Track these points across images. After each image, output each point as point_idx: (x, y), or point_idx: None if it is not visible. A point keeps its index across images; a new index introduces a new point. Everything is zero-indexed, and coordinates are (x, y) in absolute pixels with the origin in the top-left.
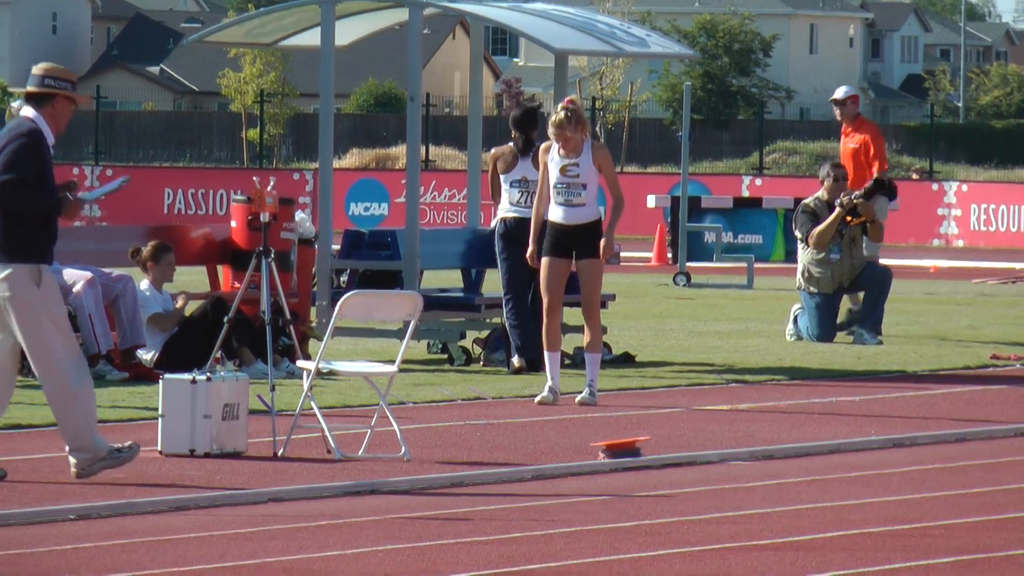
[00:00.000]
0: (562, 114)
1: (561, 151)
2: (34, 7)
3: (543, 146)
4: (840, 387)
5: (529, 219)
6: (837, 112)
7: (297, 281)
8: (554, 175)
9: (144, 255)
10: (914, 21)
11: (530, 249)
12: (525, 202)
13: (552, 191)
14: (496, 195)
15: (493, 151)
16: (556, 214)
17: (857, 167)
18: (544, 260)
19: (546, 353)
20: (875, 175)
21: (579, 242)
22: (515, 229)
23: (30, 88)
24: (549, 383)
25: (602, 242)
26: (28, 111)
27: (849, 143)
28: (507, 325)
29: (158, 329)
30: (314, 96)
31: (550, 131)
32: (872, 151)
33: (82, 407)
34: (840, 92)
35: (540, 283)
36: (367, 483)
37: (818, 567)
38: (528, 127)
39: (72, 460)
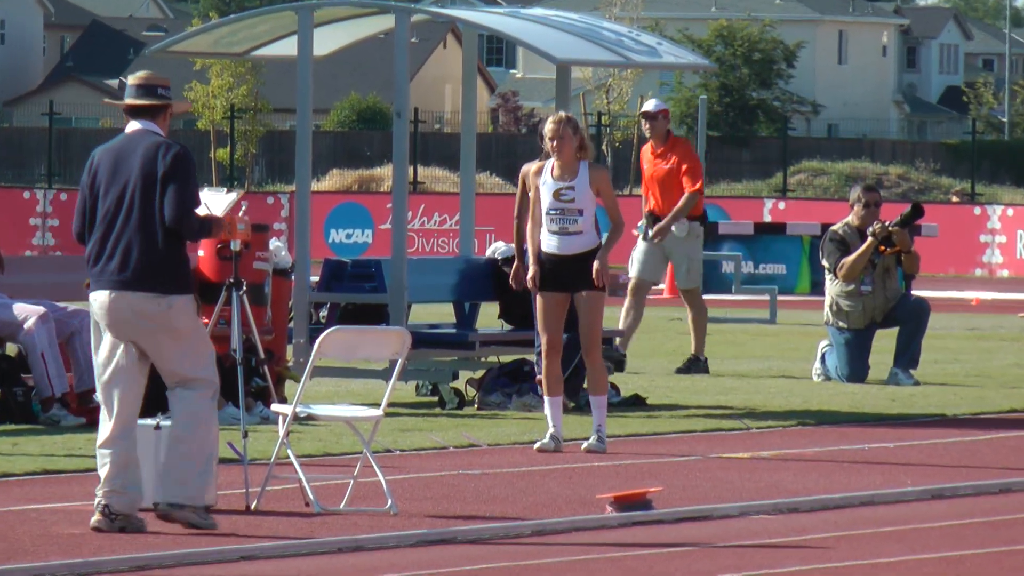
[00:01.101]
0: (561, 114)
1: (555, 172)
2: None
3: (533, 168)
4: (872, 432)
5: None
6: (647, 127)
7: (272, 316)
8: (546, 200)
9: None
10: (954, 28)
11: (531, 271)
12: None
13: (545, 218)
14: (522, 216)
15: (524, 167)
16: (550, 243)
17: (669, 191)
18: (539, 297)
19: (546, 399)
20: (686, 194)
21: (576, 274)
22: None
23: (145, 100)
24: (551, 430)
25: (595, 266)
26: (136, 124)
27: (661, 164)
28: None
29: None
30: (290, 111)
31: (547, 130)
32: (686, 168)
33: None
34: (651, 104)
35: (536, 321)
36: (350, 539)
37: None
38: None
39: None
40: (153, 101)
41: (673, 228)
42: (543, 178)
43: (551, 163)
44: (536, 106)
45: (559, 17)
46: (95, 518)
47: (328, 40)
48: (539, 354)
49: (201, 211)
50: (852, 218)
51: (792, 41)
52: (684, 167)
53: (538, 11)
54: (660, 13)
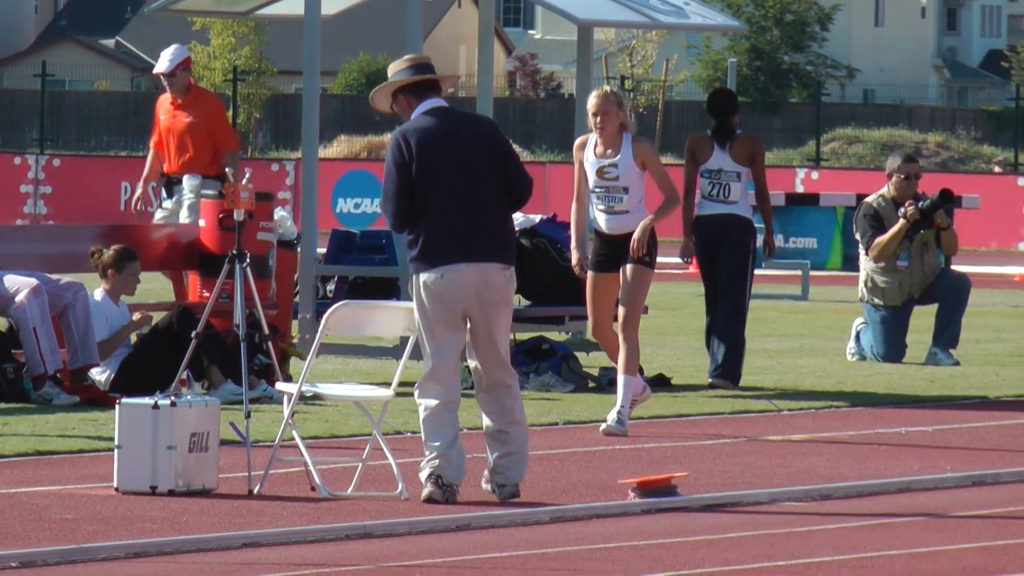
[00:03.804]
0: (605, 88)
1: (598, 148)
2: None
3: (577, 142)
4: (910, 415)
5: (723, 214)
6: (166, 84)
7: (276, 290)
8: (591, 178)
9: (105, 259)
10: None
11: (575, 257)
12: (718, 195)
13: (592, 196)
14: (686, 188)
15: (691, 139)
16: (599, 222)
17: (196, 147)
18: (589, 275)
19: (619, 377)
20: (224, 154)
21: (625, 253)
22: (706, 227)
23: (432, 75)
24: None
25: (635, 234)
26: (437, 101)
27: (182, 117)
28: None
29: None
30: (296, 74)
31: (590, 104)
32: (219, 126)
33: None
34: (164, 65)
35: (587, 300)
36: (358, 525)
37: None
38: (722, 111)
39: (502, 478)
40: (436, 76)
41: (185, 182)
42: (587, 154)
43: (595, 138)
44: (556, 69)
45: None
46: (428, 490)
47: None
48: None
49: None
50: (888, 189)
51: (827, 2)
52: (218, 126)
53: None
54: None
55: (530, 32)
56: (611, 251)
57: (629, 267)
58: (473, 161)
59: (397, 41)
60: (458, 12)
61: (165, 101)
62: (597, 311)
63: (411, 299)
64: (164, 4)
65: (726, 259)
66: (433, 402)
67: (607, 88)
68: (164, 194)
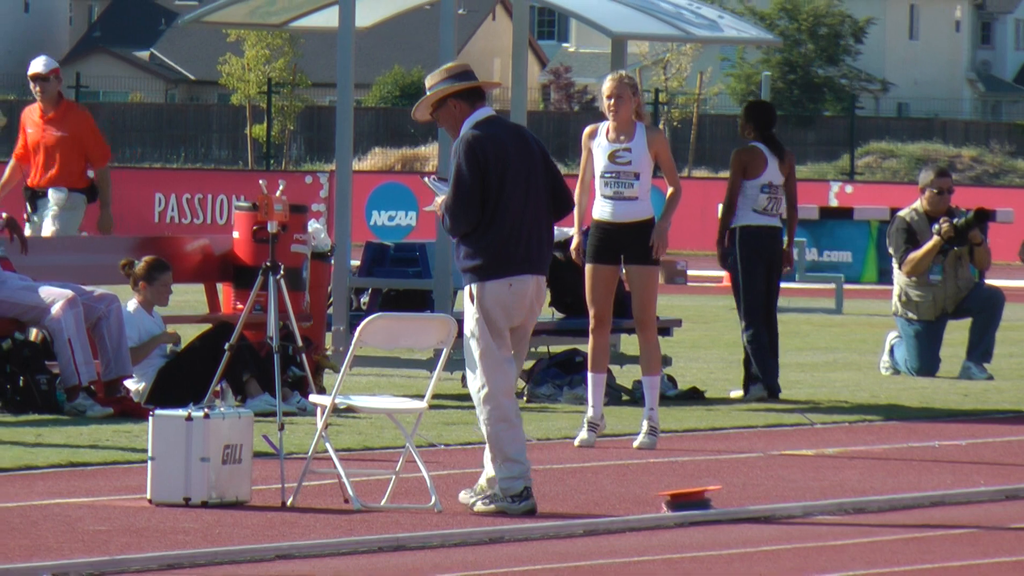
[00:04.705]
0: (621, 72)
1: (610, 134)
2: None
3: (587, 130)
4: (944, 429)
5: (771, 227)
6: (37, 90)
7: (310, 302)
8: (601, 162)
9: (137, 271)
10: None
11: (575, 241)
12: (772, 209)
13: (599, 181)
14: (732, 201)
15: (742, 152)
16: (603, 210)
17: (59, 162)
18: (588, 267)
19: (589, 375)
20: (96, 170)
21: (629, 244)
22: (760, 239)
23: (480, 82)
24: (588, 414)
25: (654, 237)
26: (488, 110)
27: (52, 131)
28: (747, 350)
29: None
30: (330, 86)
31: (606, 87)
32: (93, 141)
33: None
34: (40, 64)
35: (585, 293)
36: (391, 537)
37: None
38: (771, 123)
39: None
40: (482, 82)
41: (51, 195)
42: (597, 140)
43: (606, 125)
44: (590, 82)
45: None
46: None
47: (371, 11)
48: (751, 338)
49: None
50: (922, 203)
51: (860, 15)
52: (91, 140)
53: None
54: None
55: (564, 45)
56: (612, 241)
57: (636, 268)
58: (535, 174)
59: (431, 54)
60: (492, 25)
61: (33, 113)
62: (597, 303)
63: (443, 311)
64: (198, 16)
65: (775, 277)
66: (508, 407)
67: (622, 72)
68: (29, 208)
